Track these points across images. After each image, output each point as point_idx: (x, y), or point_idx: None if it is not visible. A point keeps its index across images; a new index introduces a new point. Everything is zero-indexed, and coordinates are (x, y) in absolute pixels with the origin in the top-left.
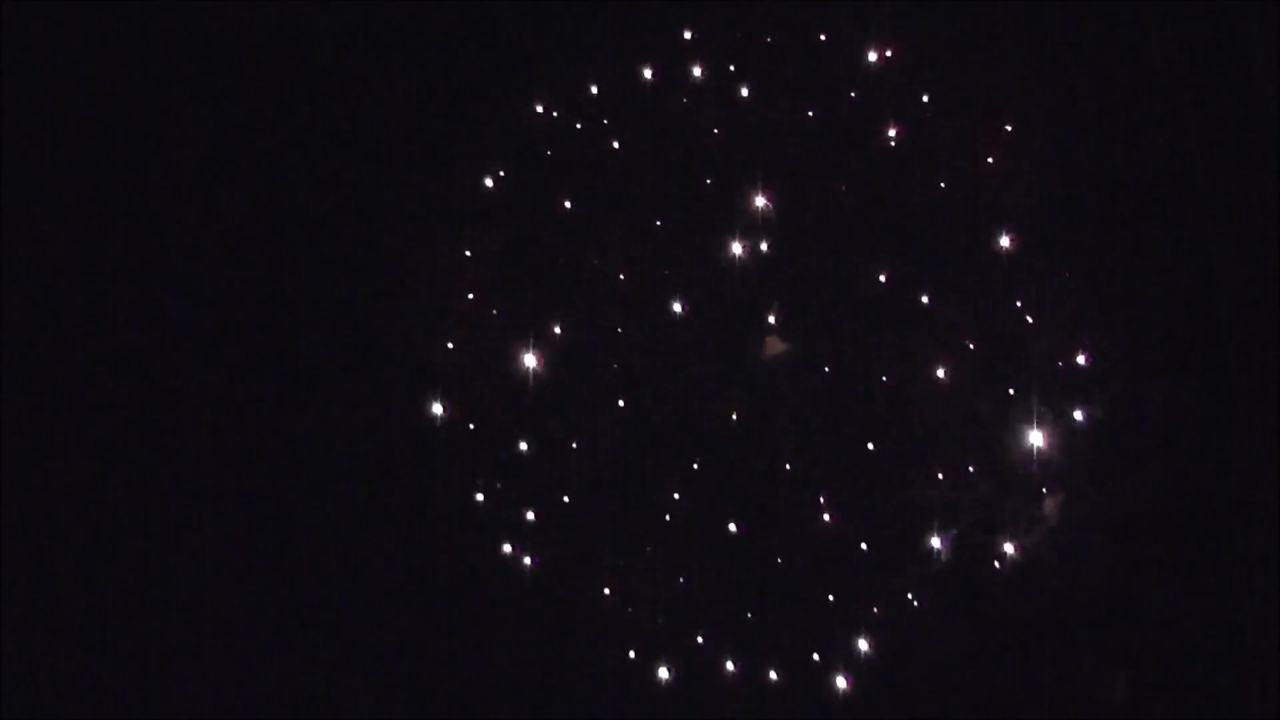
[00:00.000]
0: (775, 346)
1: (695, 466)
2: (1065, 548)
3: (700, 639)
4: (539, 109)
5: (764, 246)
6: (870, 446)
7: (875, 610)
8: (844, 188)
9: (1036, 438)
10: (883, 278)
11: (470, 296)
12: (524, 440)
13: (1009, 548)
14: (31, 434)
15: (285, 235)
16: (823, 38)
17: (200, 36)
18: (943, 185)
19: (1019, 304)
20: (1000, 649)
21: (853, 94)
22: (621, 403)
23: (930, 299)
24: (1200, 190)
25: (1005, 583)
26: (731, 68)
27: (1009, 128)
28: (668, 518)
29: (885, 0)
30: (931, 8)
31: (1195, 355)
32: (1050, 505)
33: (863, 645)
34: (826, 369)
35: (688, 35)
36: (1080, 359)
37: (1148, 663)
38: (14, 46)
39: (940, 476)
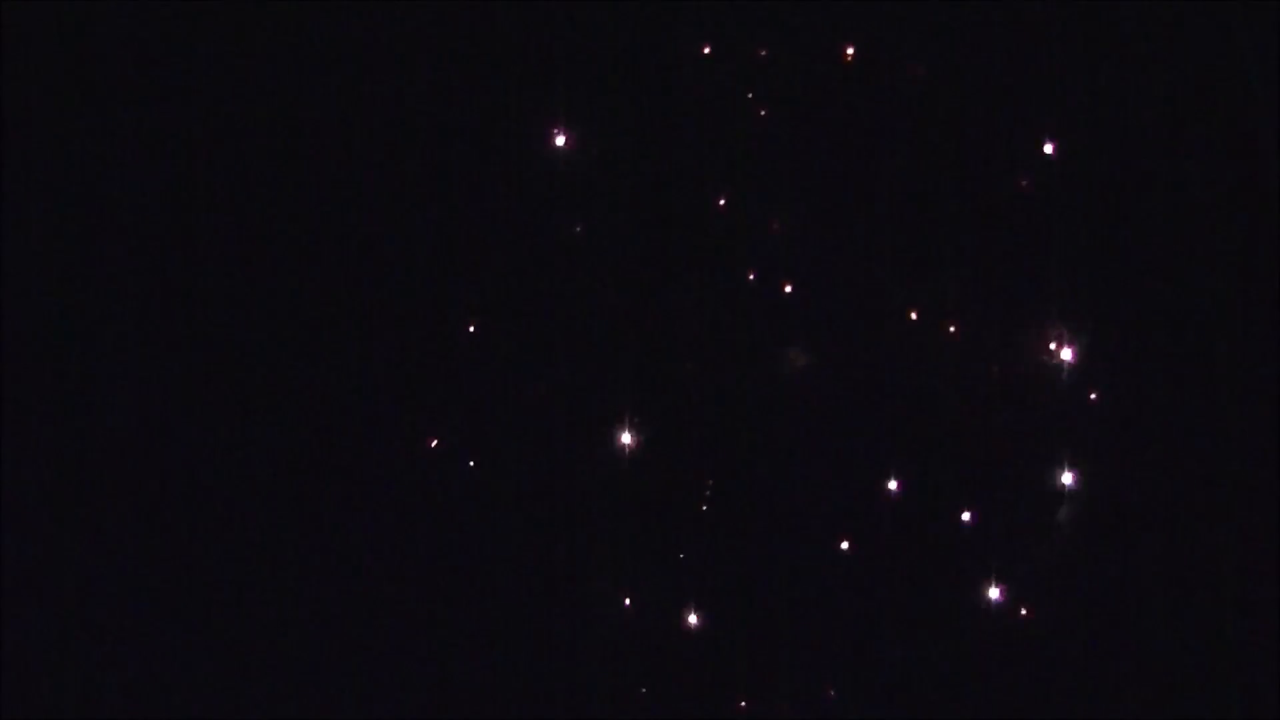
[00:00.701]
0: (798, 359)
1: (707, 496)
2: (1072, 555)
3: (713, 674)
4: (551, 131)
5: (780, 267)
6: (893, 484)
7: (894, 645)
8: (863, 204)
9: (1064, 464)
10: (905, 298)
11: (472, 329)
12: (528, 468)
13: (1024, 567)
14: (32, 459)
15: (288, 254)
16: (850, 51)
17: (207, 43)
18: (965, 199)
19: (1046, 322)
20: (1008, 662)
21: (875, 108)
22: (627, 437)
23: (954, 321)
24: (1201, 193)
25: (1017, 598)
26: (749, 92)
27: (1034, 141)
28: (682, 555)
29: (905, 10)
30: (945, 18)
31: (1198, 358)
32: (1064, 514)
33: (881, 679)
34: (846, 396)
35: (706, 50)
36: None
37: (1148, 664)
38: (14, 47)
39: (962, 505)
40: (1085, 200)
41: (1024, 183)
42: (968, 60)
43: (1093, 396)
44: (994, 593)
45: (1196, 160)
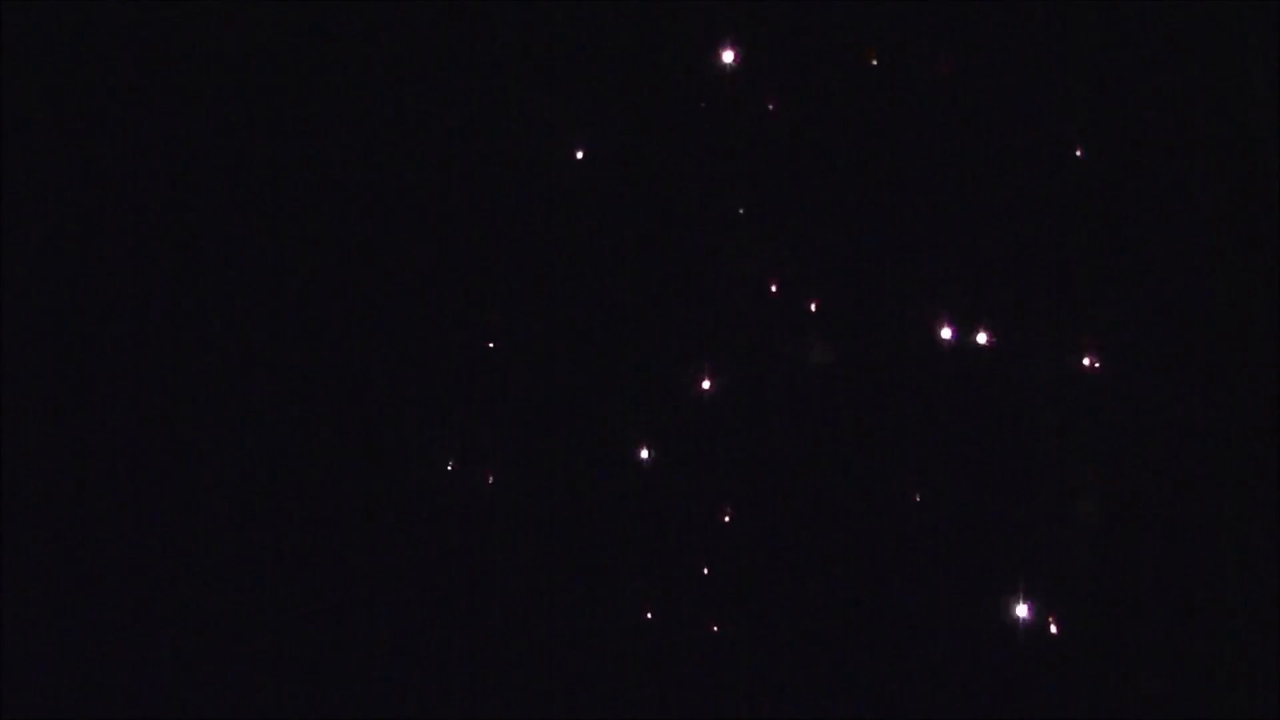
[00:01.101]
0: (823, 354)
1: (727, 520)
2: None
3: (737, 684)
4: (570, 141)
5: (802, 276)
6: (918, 497)
7: (919, 653)
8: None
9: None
10: (929, 307)
11: (491, 344)
12: (547, 483)
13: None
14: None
15: (301, 266)
16: (875, 59)
17: (216, 45)
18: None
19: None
20: (1031, 669)
21: (899, 114)
22: (646, 453)
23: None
24: (1199, 192)
25: (1040, 606)
26: (771, 102)
27: (1058, 144)
28: (706, 570)
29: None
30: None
31: (1198, 358)
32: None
33: (905, 688)
34: (870, 406)
35: (729, 57)
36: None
37: (1147, 664)
38: (14, 47)
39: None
40: (1100, 203)
41: (1034, 178)
42: (987, 64)
43: (1109, 400)
44: (1020, 602)
45: (1198, 161)
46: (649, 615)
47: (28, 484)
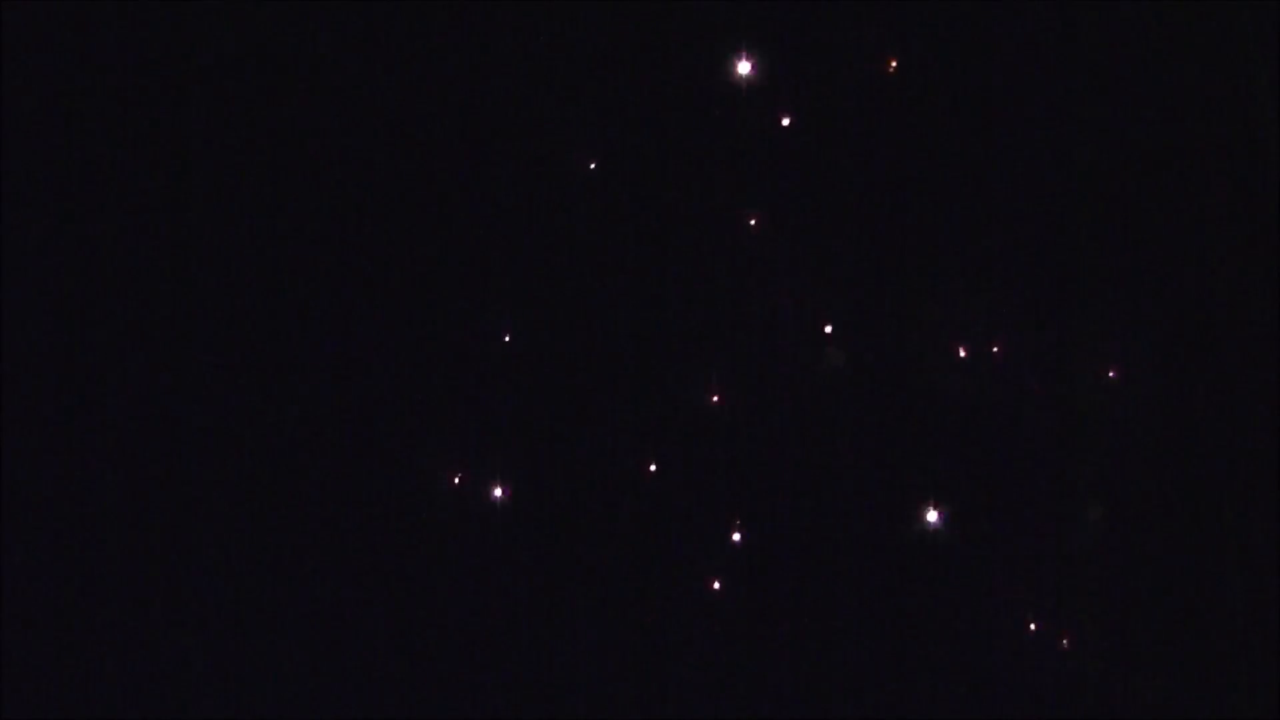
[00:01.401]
0: (835, 359)
1: (736, 536)
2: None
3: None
4: (582, 149)
5: (814, 289)
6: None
7: (930, 668)
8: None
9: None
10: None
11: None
12: (552, 497)
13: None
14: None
15: (305, 274)
16: (893, 65)
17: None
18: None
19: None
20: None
21: (910, 128)
22: (654, 466)
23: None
24: (1200, 191)
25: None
26: (785, 116)
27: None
28: (717, 585)
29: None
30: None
31: (1198, 359)
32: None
33: (915, 703)
34: (881, 418)
35: (745, 68)
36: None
37: (1148, 664)
38: (14, 47)
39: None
40: (1103, 208)
41: (1037, 185)
42: (991, 73)
43: (1113, 403)
44: (1024, 604)
45: (1198, 162)
46: (658, 626)
47: (28, 484)
